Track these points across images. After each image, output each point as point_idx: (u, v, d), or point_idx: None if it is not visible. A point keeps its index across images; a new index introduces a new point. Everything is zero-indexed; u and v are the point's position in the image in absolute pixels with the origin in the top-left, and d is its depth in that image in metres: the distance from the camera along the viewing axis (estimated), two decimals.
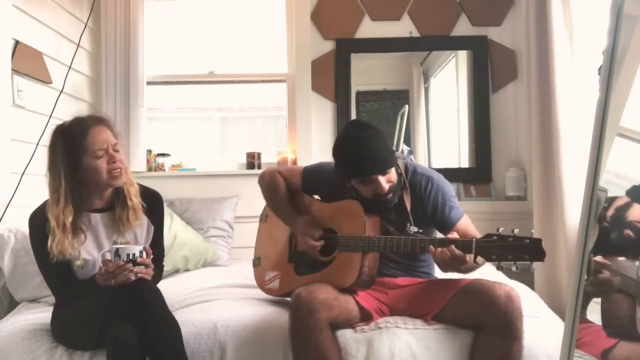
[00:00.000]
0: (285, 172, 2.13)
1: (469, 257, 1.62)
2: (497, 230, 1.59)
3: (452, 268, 1.66)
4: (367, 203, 1.86)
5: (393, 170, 1.83)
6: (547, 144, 2.70)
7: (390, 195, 1.83)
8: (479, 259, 1.60)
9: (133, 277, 1.65)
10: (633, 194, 1.35)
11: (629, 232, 1.36)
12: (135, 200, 1.86)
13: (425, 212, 1.88)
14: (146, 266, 1.70)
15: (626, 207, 1.35)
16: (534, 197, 2.85)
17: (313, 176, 2.07)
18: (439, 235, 1.92)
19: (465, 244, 1.63)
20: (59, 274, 1.78)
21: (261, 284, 2.11)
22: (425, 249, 1.70)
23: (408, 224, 1.82)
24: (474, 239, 1.62)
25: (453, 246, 1.63)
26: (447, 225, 1.86)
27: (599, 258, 1.35)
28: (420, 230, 1.82)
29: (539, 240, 1.53)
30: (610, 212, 1.33)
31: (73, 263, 1.77)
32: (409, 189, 1.89)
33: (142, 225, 1.90)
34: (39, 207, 1.81)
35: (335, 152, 1.87)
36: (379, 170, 1.78)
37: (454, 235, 1.69)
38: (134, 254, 1.68)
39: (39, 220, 1.77)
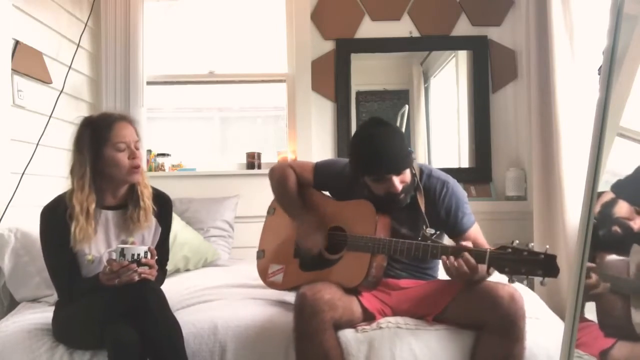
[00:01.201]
0: (297, 167, 2.08)
1: (481, 268, 1.60)
2: (512, 242, 1.57)
3: (463, 278, 1.63)
4: (378, 201, 1.83)
5: (408, 170, 1.79)
6: (547, 144, 2.70)
7: (403, 195, 1.79)
8: (491, 270, 1.59)
9: (136, 278, 1.65)
10: (617, 189, 1.36)
11: (616, 228, 1.36)
12: (148, 202, 1.87)
13: (438, 216, 1.85)
14: (150, 267, 1.70)
15: (612, 203, 1.36)
16: (534, 197, 2.85)
17: (325, 171, 2.04)
18: (447, 241, 1.89)
19: (478, 254, 1.60)
20: (66, 269, 1.78)
21: (264, 276, 2.08)
22: (437, 256, 1.68)
23: (424, 226, 1.77)
24: (488, 250, 1.59)
25: (467, 255, 1.60)
26: (458, 231, 1.83)
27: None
28: (438, 232, 1.80)
29: (553, 257, 1.52)
30: (597, 209, 1.33)
31: (82, 258, 1.77)
32: (422, 192, 1.85)
33: (150, 227, 1.90)
34: (55, 200, 1.81)
35: (351, 146, 1.84)
36: (394, 170, 1.74)
37: (464, 242, 1.67)
38: (138, 255, 1.68)
39: (60, 210, 1.76)
